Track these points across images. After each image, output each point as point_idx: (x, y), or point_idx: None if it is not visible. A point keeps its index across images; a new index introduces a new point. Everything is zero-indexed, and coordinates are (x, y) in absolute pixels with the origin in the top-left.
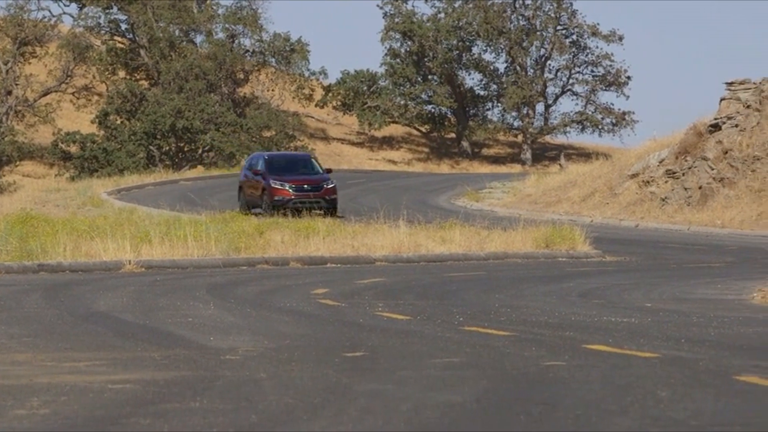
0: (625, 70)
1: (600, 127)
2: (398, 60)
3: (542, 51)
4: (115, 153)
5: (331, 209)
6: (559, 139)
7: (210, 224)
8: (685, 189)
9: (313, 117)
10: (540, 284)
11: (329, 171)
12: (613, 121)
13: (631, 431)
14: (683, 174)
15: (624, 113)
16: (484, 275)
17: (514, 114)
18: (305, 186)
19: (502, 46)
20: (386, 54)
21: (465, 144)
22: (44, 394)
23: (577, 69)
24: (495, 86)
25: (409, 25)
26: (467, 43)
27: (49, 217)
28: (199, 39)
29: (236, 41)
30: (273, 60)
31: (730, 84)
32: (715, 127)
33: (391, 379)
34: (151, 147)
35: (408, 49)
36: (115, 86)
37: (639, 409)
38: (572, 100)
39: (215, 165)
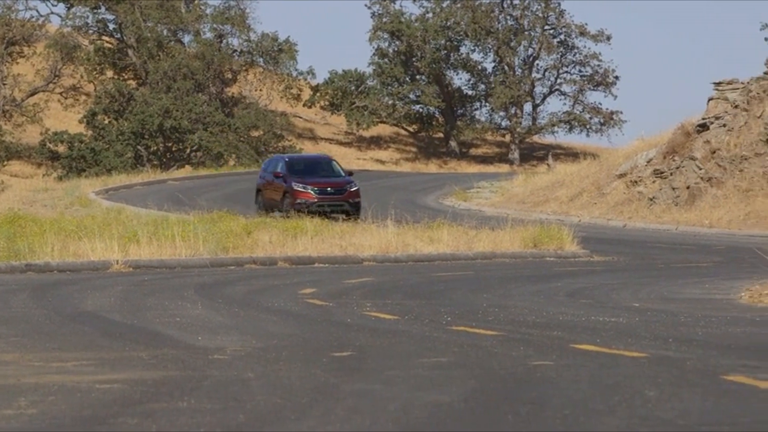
0: (613, 70)
1: (588, 126)
2: (386, 60)
3: (530, 51)
4: (103, 153)
5: (354, 213)
6: (547, 138)
7: (198, 224)
8: (673, 189)
9: (301, 117)
10: (528, 284)
11: (351, 174)
12: (601, 120)
13: (619, 431)
14: (671, 174)
15: (612, 113)
16: (472, 275)
17: (502, 114)
18: (328, 189)
19: (490, 46)
20: (374, 54)
21: (453, 144)
22: (32, 394)
23: (564, 69)
24: (483, 86)
25: (397, 25)
26: (455, 43)
27: (36, 217)
28: (187, 39)
29: (224, 41)
30: (261, 60)
31: (718, 84)
32: (703, 127)
33: (378, 379)
34: (139, 147)
35: (396, 49)
36: (103, 86)
37: (627, 408)
38: (560, 99)
39: (203, 165)
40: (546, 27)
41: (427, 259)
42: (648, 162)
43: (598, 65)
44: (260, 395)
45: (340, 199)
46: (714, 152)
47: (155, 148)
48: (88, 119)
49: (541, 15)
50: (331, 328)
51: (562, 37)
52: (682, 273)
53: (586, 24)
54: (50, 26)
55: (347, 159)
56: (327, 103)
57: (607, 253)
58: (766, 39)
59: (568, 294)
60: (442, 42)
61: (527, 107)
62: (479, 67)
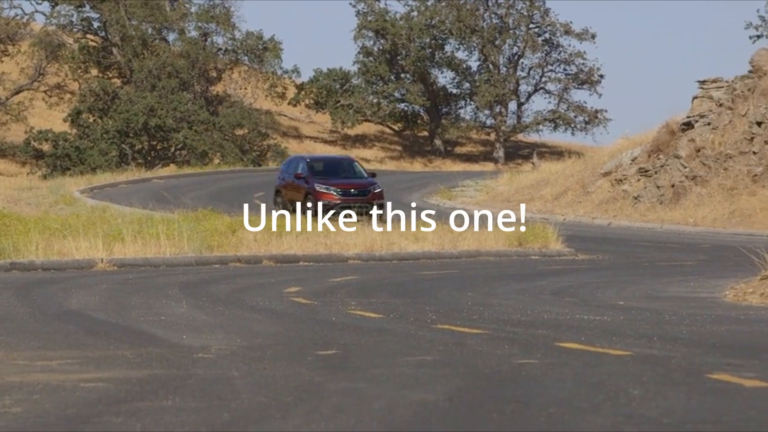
0: (598, 69)
1: (573, 125)
2: (371, 58)
3: (515, 49)
4: (88, 151)
5: (378, 215)
6: (532, 137)
7: (183, 222)
8: (658, 187)
9: (285, 115)
10: (512, 282)
11: (374, 175)
12: (586, 119)
13: (604, 429)
14: (656, 172)
15: (596, 111)
16: (457, 273)
17: (486, 112)
18: (352, 190)
19: (475, 45)
20: (359, 52)
21: (438, 142)
22: (16, 392)
23: (549, 67)
24: (468, 84)
25: (381, 24)
26: (440, 42)
27: (21, 216)
28: (171, 37)
29: (209, 39)
30: (246, 58)
31: (703, 82)
32: (688, 126)
33: (363, 378)
34: (123, 145)
35: (381, 48)
36: (88, 84)
37: (611, 406)
38: (545, 98)
39: (188, 163)
40: (531, 25)
41: (411, 257)
42: (633, 160)
43: (583, 64)
44: (245, 394)
45: (365, 201)
46: (699, 151)
47: (140, 146)
48: (72, 118)
49: (525, 13)
50: (316, 326)
51: (546, 35)
52: (667, 271)
53: (571, 22)
54: (35, 24)
55: None
56: (312, 101)
57: (591, 252)
58: (750, 38)
59: (552, 292)
60: (427, 40)
61: (512, 106)
62: (464, 66)
